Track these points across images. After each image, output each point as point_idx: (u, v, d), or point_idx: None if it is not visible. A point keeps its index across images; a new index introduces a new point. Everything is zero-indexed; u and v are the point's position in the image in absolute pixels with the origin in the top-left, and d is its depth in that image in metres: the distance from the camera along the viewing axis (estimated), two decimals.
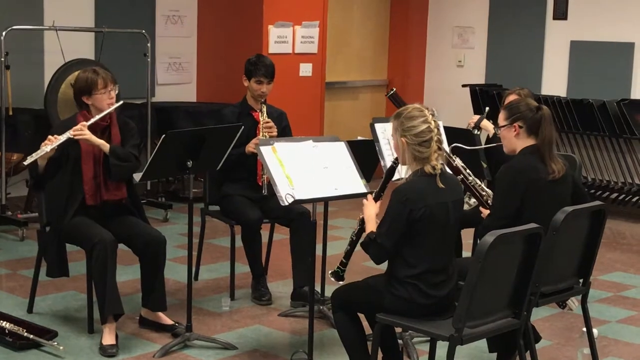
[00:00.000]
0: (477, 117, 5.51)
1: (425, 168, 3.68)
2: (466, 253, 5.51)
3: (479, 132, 5.23)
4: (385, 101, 9.92)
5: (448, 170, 4.01)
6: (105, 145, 4.61)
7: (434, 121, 3.70)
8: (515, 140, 4.11)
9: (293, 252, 5.32)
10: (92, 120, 4.63)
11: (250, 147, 5.29)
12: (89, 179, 4.67)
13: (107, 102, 4.66)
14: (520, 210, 3.99)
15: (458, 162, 4.29)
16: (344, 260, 4.07)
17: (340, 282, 4.07)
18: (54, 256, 4.76)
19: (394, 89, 4.49)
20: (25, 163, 4.60)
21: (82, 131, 4.56)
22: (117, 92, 4.75)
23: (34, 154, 4.54)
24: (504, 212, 4.00)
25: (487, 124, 5.46)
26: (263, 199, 5.35)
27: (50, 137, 4.56)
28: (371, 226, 3.77)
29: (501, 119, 4.17)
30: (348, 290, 3.93)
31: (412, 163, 3.72)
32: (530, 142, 4.08)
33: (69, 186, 4.68)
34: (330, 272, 4.10)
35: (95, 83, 4.64)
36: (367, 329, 3.96)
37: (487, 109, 5.58)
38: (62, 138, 4.55)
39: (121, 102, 4.76)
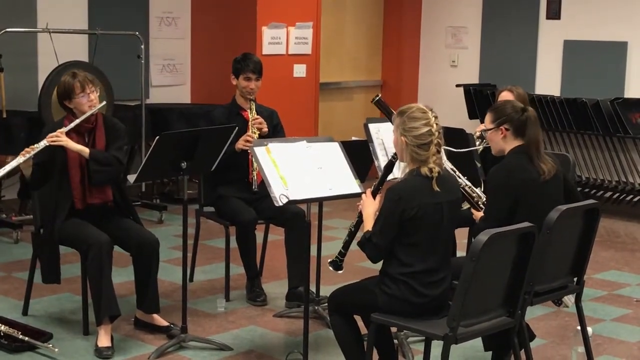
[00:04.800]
0: (483, 126, 5.49)
1: (422, 169, 3.68)
2: (461, 252, 5.51)
3: (483, 142, 5.21)
4: None
5: (451, 166, 4.02)
6: (84, 151, 4.59)
7: (436, 124, 3.69)
8: (503, 143, 4.11)
9: (288, 253, 5.33)
10: (71, 126, 4.60)
11: (239, 144, 5.28)
12: (76, 184, 4.66)
13: (87, 105, 4.63)
14: (513, 211, 3.99)
15: (447, 164, 4.29)
16: (342, 251, 4.07)
17: (339, 272, 4.07)
18: (46, 262, 4.76)
19: (379, 95, 4.50)
20: None
21: (58, 138, 4.54)
22: (98, 93, 4.70)
23: (6, 166, 4.52)
24: (497, 214, 4.00)
25: None
26: (257, 200, 5.35)
27: (27, 148, 4.52)
28: (368, 224, 3.78)
29: (487, 121, 4.17)
30: (343, 292, 3.94)
31: (409, 162, 3.72)
32: (517, 143, 4.08)
33: (58, 190, 4.67)
34: (329, 261, 4.10)
35: (72, 87, 4.61)
36: (364, 329, 3.96)
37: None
38: (39, 147, 4.52)
39: (103, 103, 4.72)
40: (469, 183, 4.37)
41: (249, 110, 5.39)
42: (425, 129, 3.67)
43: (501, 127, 4.09)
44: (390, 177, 4.02)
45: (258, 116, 5.38)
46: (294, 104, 8.30)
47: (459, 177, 4.30)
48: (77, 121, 4.62)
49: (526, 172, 4.02)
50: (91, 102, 4.65)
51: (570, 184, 4.36)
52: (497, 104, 4.29)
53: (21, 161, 4.49)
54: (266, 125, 5.37)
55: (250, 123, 5.35)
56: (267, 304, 5.36)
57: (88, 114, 4.64)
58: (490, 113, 4.17)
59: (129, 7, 8.23)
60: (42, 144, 4.53)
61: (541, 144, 4.11)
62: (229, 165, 5.23)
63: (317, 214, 5.09)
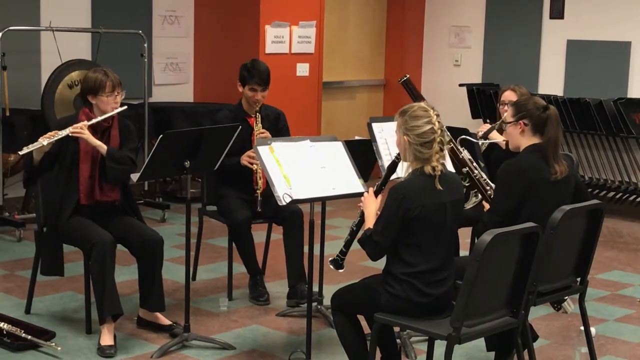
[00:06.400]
0: (487, 126, 5.49)
1: (425, 168, 3.68)
2: (464, 252, 5.51)
3: (486, 141, 5.21)
4: (383, 100, 9.93)
5: (451, 167, 4.02)
6: (102, 147, 4.63)
7: (438, 122, 3.69)
8: (520, 138, 4.10)
9: (286, 251, 5.32)
10: (94, 121, 4.65)
11: (244, 161, 5.27)
12: (85, 179, 4.68)
13: (111, 105, 4.68)
14: (520, 208, 3.99)
15: (465, 154, 4.28)
16: (343, 249, 4.06)
17: (340, 270, 4.07)
18: (48, 254, 4.77)
19: (407, 76, 4.47)
20: (21, 153, 4.63)
21: (81, 130, 4.58)
22: (123, 97, 4.75)
23: (30, 145, 4.56)
24: (503, 209, 4.00)
25: (496, 135, 5.42)
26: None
27: (50, 133, 4.58)
28: (370, 223, 3.78)
29: (508, 115, 4.18)
30: (346, 292, 3.93)
31: (412, 162, 3.72)
32: (535, 140, 4.07)
33: (65, 184, 4.69)
34: (330, 260, 4.10)
35: (104, 86, 4.65)
36: (367, 329, 3.96)
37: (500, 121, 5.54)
38: (61, 134, 4.57)
39: (125, 107, 4.76)
40: (484, 175, 4.35)
41: (254, 123, 5.37)
42: (428, 127, 3.67)
43: (520, 122, 4.08)
44: (393, 177, 4.02)
45: (264, 130, 5.34)
46: (297, 103, 8.29)
47: (475, 168, 4.29)
48: (99, 119, 4.66)
49: (538, 172, 4.01)
50: (116, 104, 4.70)
51: (581, 187, 4.34)
52: (520, 99, 4.30)
53: (44, 143, 4.52)
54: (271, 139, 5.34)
55: (255, 137, 5.31)
56: (269, 303, 5.35)
57: (109, 114, 4.68)
58: (511, 107, 4.18)
59: (132, 6, 8.22)
60: (65, 132, 4.57)
61: (559, 144, 4.10)
62: (232, 173, 5.24)
63: (320, 213, 5.08)
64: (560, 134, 4.13)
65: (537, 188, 4.00)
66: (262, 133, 5.33)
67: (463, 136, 4.34)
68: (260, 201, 5.25)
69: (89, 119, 4.67)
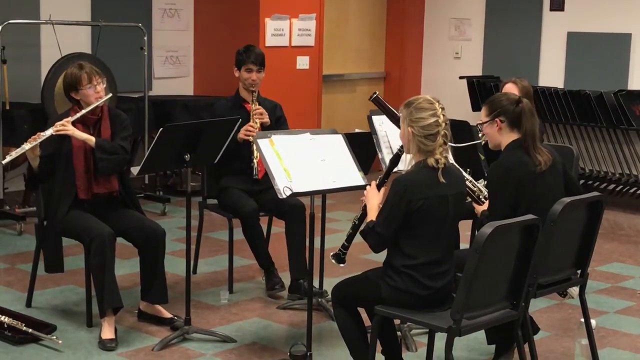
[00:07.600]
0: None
1: (428, 160, 3.68)
2: (464, 245, 5.51)
3: (480, 141, 5.20)
4: (383, 93, 9.89)
5: (452, 161, 4.01)
6: (90, 140, 4.61)
7: (443, 115, 3.69)
8: (499, 136, 4.08)
9: (288, 245, 5.32)
10: (77, 116, 4.63)
11: (241, 135, 5.28)
12: (80, 173, 4.68)
13: (93, 96, 4.66)
14: (516, 205, 3.97)
15: (449, 157, 4.28)
16: (345, 244, 4.07)
17: (341, 265, 4.08)
18: (51, 252, 4.77)
19: (376, 93, 4.48)
20: (3, 162, 4.61)
21: (64, 127, 4.57)
22: (104, 85, 4.73)
23: (12, 152, 4.56)
24: (501, 212, 3.96)
25: None
26: (259, 192, 5.35)
27: (33, 136, 4.56)
28: (372, 215, 3.78)
29: (483, 115, 4.14)
30: (347, 284, 3.93)
31: (416, 154, 3.72)
32: (513, 136, 4.04)
33: (62, 180, 4.69)
34: (331, 254, 4.10)
35: (79, 79, 4.64)
36: (367, 322, 3.96)
37: None
38: (45, 135, 4.56)
39: (109, 95, 4.75)
40: (469, 177, 4.35)
41: (251, 101, 5.40)
42: (433, 120, 3.67)
43: (496, 120, 4.06)
44: (395, 170, 4.02)
45: (259, 107, 5.38)
46: (297, 96, 8.29)
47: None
48: (84, 111, 4.65)
49: (524, 167, 3.99)
50: (98, 93, 4.68)
51: (569, 174, 4.33)
52: (492, 97, 4.25)
53: (27, 148, 4.52)
54: (267, 116, 5.37)
55: (251, 113, 5.35)
56: (284, 289, 5.32)
57: (94, 105, 4.66)
58: (485, 106, 4.14)
59: None
60: (49, 132, 4.56)
61: (537, 135, 4.07)
62: (232, 156, 5.22)
63: (320, 207, 5.09)
64: (537, 124, 4.11)
65: (526, 184, 3.98)
66: (258, 109, 5.35)
67: None
68: (257, 169, 5.25)
69: None
